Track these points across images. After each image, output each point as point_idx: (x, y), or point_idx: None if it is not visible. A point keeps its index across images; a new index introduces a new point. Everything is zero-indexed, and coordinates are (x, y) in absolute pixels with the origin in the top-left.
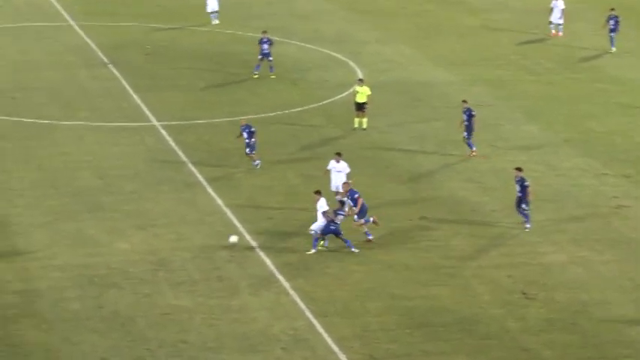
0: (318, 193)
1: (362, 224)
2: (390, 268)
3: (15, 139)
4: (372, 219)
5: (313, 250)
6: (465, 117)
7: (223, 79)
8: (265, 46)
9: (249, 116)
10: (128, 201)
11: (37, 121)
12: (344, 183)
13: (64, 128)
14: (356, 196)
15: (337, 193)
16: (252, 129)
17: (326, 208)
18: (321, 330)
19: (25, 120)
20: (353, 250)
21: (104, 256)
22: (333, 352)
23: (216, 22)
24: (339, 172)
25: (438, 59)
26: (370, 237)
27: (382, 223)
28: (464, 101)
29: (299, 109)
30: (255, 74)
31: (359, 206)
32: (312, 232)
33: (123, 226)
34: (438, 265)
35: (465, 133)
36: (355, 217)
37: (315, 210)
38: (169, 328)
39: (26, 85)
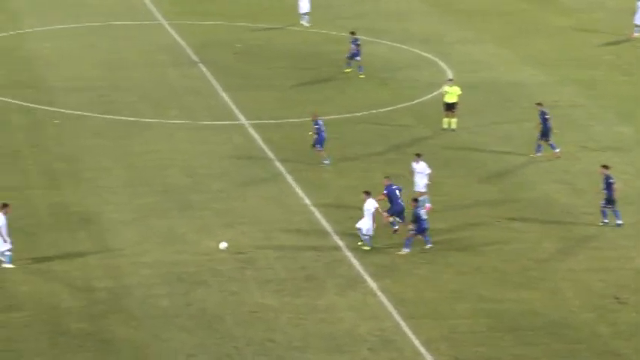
0: (366, 193)
1: (389, 220)
2: (478, 270)
3: (108, 137)
4: (396, 227)
5: (407, 250)
6: (540, 119)
7: (313, 78)
8: (352, 46)
9: (330, 116)
10: (217, 199)
11: (128, 119)
12: (385, 177)
13: (155, 126)
14: (385, 192)
15: (422, 194)
16: (320, 123)
17: (373, 208)
18: (408, 331)
19: (117, 118)
20: (429, 245)
21: (193, 254)
22: (420, 354)
23: (307, 24)
24: (419, 173)
25: (528, 59)
26: (396, 227)
27: (471, 225)
28: (538, 104)
29: (388, 108)
30: (347, 70)
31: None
32: (362, 234)
33: (211, 224)
34: (527, 267)
35: (539, 135)
36: (386, 212)
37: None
38: (256, 327)
39: (119, 84)
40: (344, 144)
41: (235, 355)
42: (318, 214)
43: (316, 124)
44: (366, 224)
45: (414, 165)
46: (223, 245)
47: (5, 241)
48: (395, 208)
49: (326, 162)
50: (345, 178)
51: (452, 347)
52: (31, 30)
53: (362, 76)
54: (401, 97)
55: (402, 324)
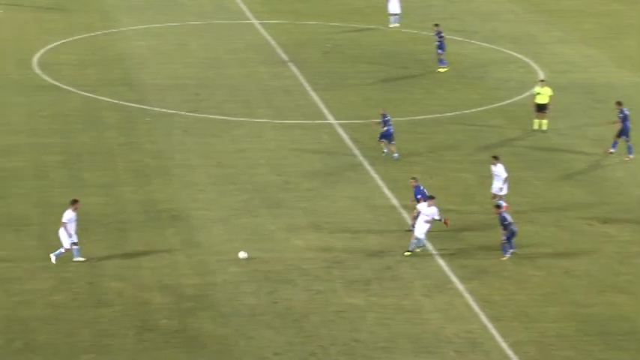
0: (431, 198)
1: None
2: (568, 274)
3: (198, 135)
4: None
5: (507, 255)
6: (619, 119)
7: (402, 78)
8: (436, 37)
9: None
10: (304, 198)
11: (218, 117)
12: (411, 179)
13: (244, 125)
14: (418, 197)
15: (495, 196)
16: (387, 117)
17: (436, 214)
18: (495, 334)
19: (207, 116)
20: (507, 255)
21: (280, 252)
22: (508, 357)
23: (396, 24)
24: (497, 176)
25: (622, 60)
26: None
27: (560, 227)
28: (618, 103)
29: (478, 109)
30: (445, 68)
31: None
32: (417, 241)
33: (299, 223)
34: (618, 272)
35: (624, 136)
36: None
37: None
38: (342, 326)
39: (209, 82)
40: (433, 144)
41: (321, 354)
42: (405, 215)
43: (385, 117)
44: (422, 230)
45: (493, 168)
46: (243, 255)
47: (70, 236)
48: None
49: (385, 152)
50: (434, 178)
51: (541, 351)
52: (123, 29)
53: (443, 70)
54: (491, 97)
55: (489, 326)
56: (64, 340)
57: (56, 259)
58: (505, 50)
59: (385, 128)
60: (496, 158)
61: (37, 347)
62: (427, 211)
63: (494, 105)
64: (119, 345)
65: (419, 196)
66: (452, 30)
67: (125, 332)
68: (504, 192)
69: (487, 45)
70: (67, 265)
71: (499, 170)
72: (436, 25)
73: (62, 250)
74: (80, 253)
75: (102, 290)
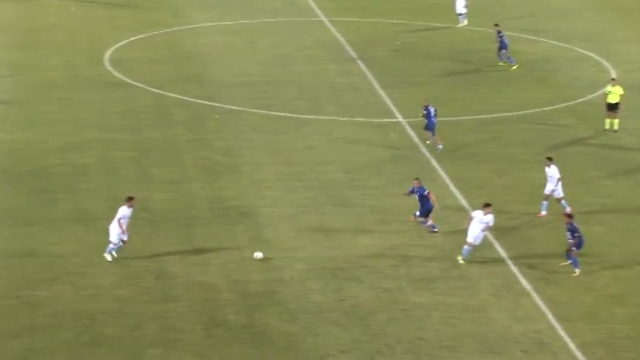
0: (487, 206)
1: (417, 221)
2: (637, 275)
3: (265, 132)
4: (429, 223)
5: (577, 271)
6: None
7: (471, 77)
8: (497, 38)
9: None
10: (372, 196)
11: (286, 114)
12: (415, 179)
13: (312, 122)
14: (426, 192)
15: (547, 197)
16: (431, 109)
17: (485, 223)
18: (563, 334)
19: (275, 113)
20: (569, 262)
21: (346, 250)
22: (576, 358)
23: (464, 23)
24: (551, 178)
25: None
26: (436, 229)
27: (630, 229)
28: None
29: (548, 108)
30: (501, 62)
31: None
32: (470, 248)
33: (366, 220)
34: None
35: None
36: (417, 212)
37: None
38: (407, 325)
39: (277, 79)
40: (502, 143)
41: (386, 352)
42: (473, 214)
43: (426, 109)
44: (475, 234)
45: (547, 169)
46: (258, 255)
47: (124, 232)
48: (427, 208)
49: (440, 145)
50: (503, 177)
51: (609, 352)
52: (193, 26)
53: (512, 66)
54: (562, 96)
55: (557, 326)
56: (129, 334)
57: (110, 255)
58: (577, 49)
59: (427, 120)
60: (550, 159)
61: (103, 340)
62: (483, 218)
63: (565, 104)
64: (187, 340)
65: (419, 193)
66: (523, 29)
67: (192, 327)
68: (558, 194)
69: (559, 43)
70: (134, 261)
71: (553, 172)
72: (496, 25)
73: (111, 245)
74: (116, 252)
75: (169, 285)
